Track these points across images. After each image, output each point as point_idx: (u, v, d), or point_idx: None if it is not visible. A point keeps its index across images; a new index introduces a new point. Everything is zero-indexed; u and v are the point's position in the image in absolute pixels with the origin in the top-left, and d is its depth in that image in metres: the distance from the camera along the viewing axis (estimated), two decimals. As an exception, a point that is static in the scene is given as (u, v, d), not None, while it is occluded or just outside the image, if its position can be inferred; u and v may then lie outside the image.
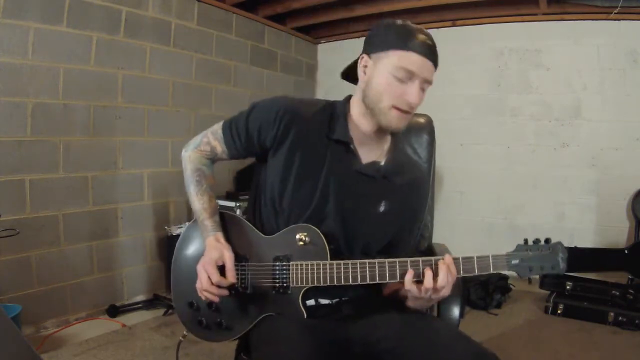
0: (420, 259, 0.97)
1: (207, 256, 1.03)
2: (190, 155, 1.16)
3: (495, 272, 0.97)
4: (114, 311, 2.56)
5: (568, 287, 2.73)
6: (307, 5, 3.38)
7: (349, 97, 1.13)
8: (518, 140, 3.42)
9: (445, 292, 0.95)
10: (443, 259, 0.95)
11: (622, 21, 2.99)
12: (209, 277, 1.01)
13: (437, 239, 1.56)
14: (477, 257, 0.96)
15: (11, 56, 2.14)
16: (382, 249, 1.16)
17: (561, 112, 3.27)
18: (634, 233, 2.93)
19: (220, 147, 1.14)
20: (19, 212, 2.21)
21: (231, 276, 1.02)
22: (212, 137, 1.15)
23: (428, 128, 1.48)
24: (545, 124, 3.32)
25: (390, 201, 1.11)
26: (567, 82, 3.23)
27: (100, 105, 2.54)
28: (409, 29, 0.99)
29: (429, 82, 1.02)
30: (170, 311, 2.61)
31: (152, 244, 2.89)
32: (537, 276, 1.00)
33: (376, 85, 1.01)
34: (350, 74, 1.12)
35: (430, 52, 0.99)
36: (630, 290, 2.55)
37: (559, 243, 0.97)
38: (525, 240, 0.98)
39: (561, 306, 2.68)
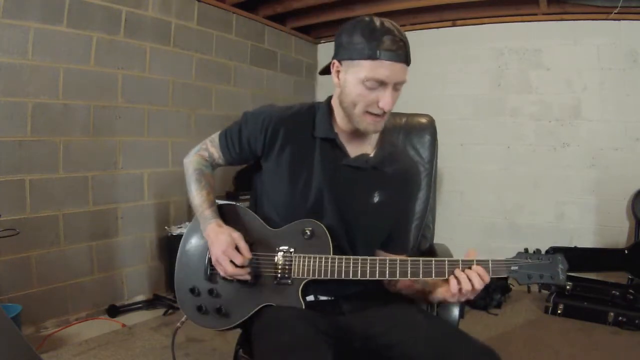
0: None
1: (221, 242, 1.06)
2: (191, 160, 1.23)
3: (494, 276, 1.00)
4: (114, 311, 2.55)
5: (568, 287, 2.73)
6: (307, 5, 3.38)
7: (331, 97, 1.16)
8: (518, 140, 3.42)
9: (478, 291, 0.99)
10: (471, 266, 0.98)
11: (622, 21, 2.99)
12: (231, 261, 1.04)
13: (437, 239, 1.56)
14: (477, 261, 0.98)
15: (11, 56, 2.14)
16: (382, 245, 1.18)
17: (561, 112, 3.27)
18: (634, 233, 2.93)
19: (217, 154, 1.22)
20: (19, 212, 2.21)
21: (247, 253, 1.06)
22: (210, 145, 1.23)
23: (430, 129, 1.48)
24: (545, 124, 3.32)
25: (383, 191, 1.13)
26: (567, 82, 3.23)
27: (100, 105, 2.54)
28: (374, 35, 0.97)
29: (402, 83, 1.02)
30: (170, 311, 2.61)
31: (152, 244, 2.89)
32: (536, 286, 1.00)
33: (349, 94, 1.03)
34: (328, 70, 1.13)
35: (399, 55, 0.98)
36: (630, 290, 2.55)
37: (560, 254, 0.98)
38: (526, 250, 1.00)
39: (561, 306, 2.68)
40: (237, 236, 1.07)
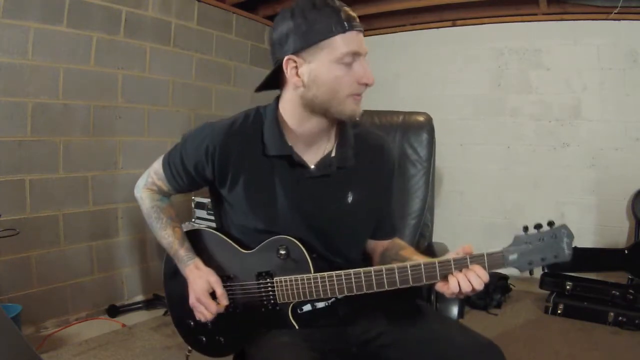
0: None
1: (196, 288, 1.04)
2: (142, 196, 1.16)
3: (492, 270, 0.90)
4: (114, 311, 2.56)
5: (568, 287, 2.73)
6: (307, 6, 3.38)
7: (277, 101, 1.04)
8: (518, 140, 3.41)
9: (478, 291, 0.91)
10: (469, 266, 0.90)
11: (622, 21, 2.98)
12: (206, 308, 1.04)
13: (436, 238, 1.56)
14: (471, 258, 0.90)
15: (11, 56, 2.14)
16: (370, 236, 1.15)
17: (561, 112, 3.26)
18: (634, 233, 2.92)
19: (165, 186, 1.14)
20: (19, 212, 2.21)
21: (224, 300, 1.04)
22: (156, 177, 1.14)
23: (427, 127, 1.48)
24: (545, 124, 3.32)
25: (355, 186, 1.06)
26: (567, 82, 3.22)
27: (100, 105, 2.54)
28: (330, 8, 0.91)
29: (366, 54, 0.97)
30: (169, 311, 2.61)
31: (152, 244, 2.88)
32: (541, 267, 0.94)
33: (324, 82, 0.93)
34: (270, 84, 1.03)
35: (359, 24, 0.94)
36: (630, 290, 2.54)
37: (563, 227, 0.87)
38: (525, 228, 0.89)
39: (561, 306, 2.68)
40: (214, 281, 1.04)
